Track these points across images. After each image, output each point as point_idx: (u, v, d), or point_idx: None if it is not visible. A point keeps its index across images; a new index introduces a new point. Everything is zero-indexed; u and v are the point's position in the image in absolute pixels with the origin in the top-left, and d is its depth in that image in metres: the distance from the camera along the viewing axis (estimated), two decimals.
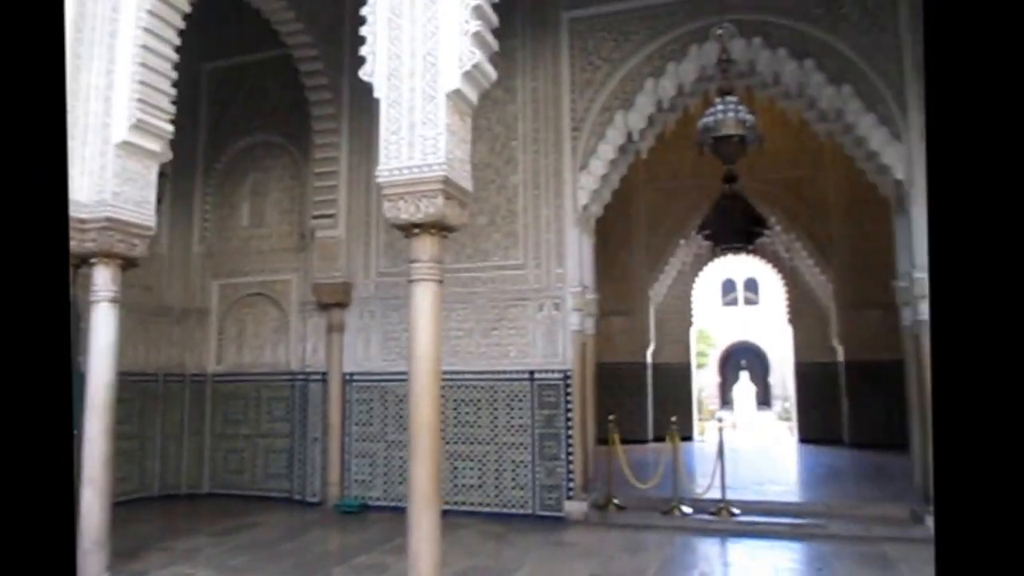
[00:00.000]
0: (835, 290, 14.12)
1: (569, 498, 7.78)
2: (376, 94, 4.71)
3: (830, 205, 14.21)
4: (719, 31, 7.18)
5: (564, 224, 8.23)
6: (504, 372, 8.17)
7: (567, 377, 7.95)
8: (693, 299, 16.11)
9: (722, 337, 41.14)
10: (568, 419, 7.86)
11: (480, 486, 8.13)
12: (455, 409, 8.27)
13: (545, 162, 8.41)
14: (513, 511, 7.94)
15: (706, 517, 7.51)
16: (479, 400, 8.22)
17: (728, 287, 42.35)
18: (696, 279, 16.24)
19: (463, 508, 8.07)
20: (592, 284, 8.81)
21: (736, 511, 7.56)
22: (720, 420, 7.99)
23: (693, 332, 16.12)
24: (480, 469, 8.15)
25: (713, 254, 12.20)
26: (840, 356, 14.21)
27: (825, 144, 14.46)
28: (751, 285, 41.90)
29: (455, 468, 8.22)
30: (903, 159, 7.40)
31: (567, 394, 7.91)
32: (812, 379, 14.96)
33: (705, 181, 13.75)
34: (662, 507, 7.77)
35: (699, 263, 16.17)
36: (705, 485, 7.99)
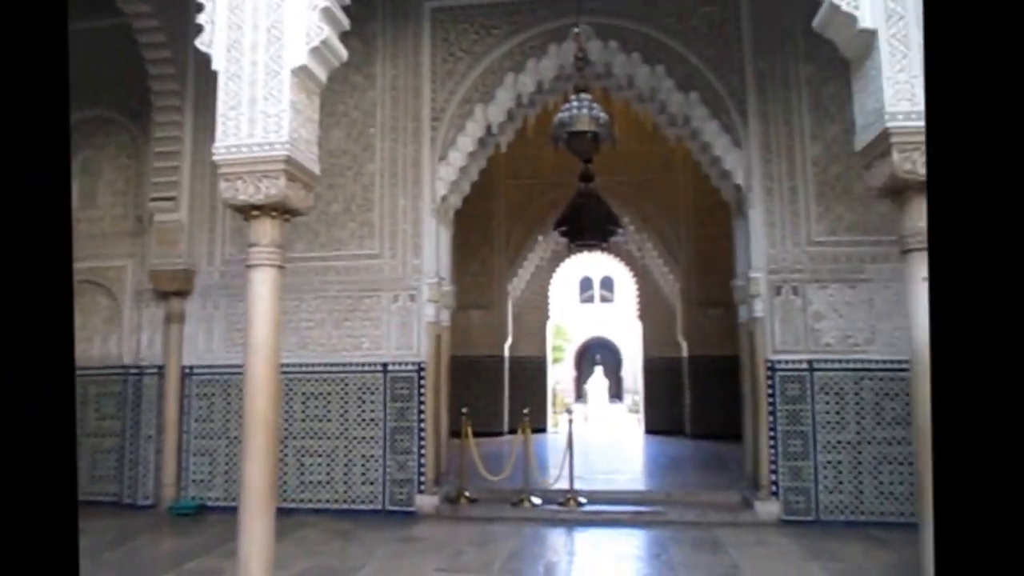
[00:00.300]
0: (681, 288, 14.80)
1: (420, 492, 7.69)
2: (214, 66, 4.43)
3: (679, 208, 14.86)
4: (577, 31, 7.30)
5: (422, 214, 8.12)
6: (356, 364, 7.97)
7: (421, 369, 7.85)
8: (550, 294, 16.41)
9: (579, 333, 42.22)
10: (421, 412, 7.78)
11: (328, 482, 7.90)
12: (303, 403, 7.99)
13: (404, 151, 8.27)
14: (363, 507, 7.77)
15: (554, 507, 7.64)
16: (329, 393, 7.98)
17: (585, 285, 43.52)
18: (554, 275, 16.56)
19: (310, 506, 7.81)
20: (449, 276, 8.76)
21: (583, 500, 7.74)
22: (570, 413, 8.13)
23: (550, 327, 16.43)
24: (329, 465, 7.91)
25: (569, 251, 12.45)
26: (684, 351, 14.92)
27: (676, 149, 15.10)
28: (607, 283, 43.24)
29: (302, 464, 7.94)
30: (742, 166, 7.81)
31: (420, 387, 7.82)
32: (659, 373, 15.63)
33: (563, 179, 14.03)
34: (513, 499, 7.83)
35: (556, 259, 16.50)
36: (554, 476, 8.13)
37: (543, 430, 15.29)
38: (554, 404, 17.94)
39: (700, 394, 14.48)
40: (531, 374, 15.88)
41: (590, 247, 12.20)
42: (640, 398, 26.07)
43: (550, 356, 16.91)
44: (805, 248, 7.57)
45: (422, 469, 7.72)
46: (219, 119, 4.38)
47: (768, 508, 7.31)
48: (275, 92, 4.34)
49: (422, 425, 7.76)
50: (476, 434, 14.08)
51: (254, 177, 4.29)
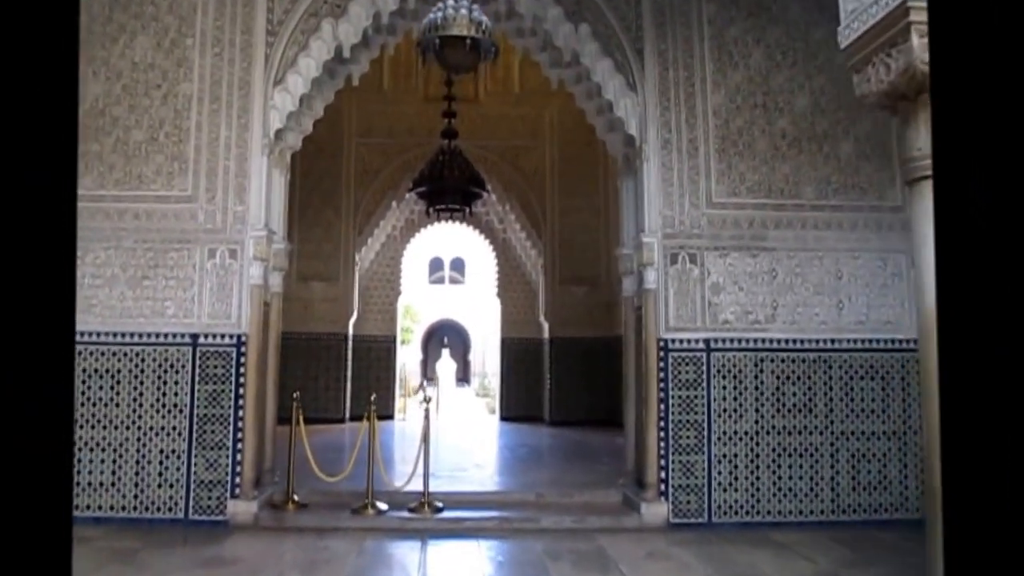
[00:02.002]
0: (545, 264, 13.80)
1: (235, 497, 6.10)
2: None
3: (545, 178, 13.84)
4: None
5: (249, 150, 6.46)
6: (157, 335, 6.24)
7: (242, 343, 6.23)
8: (403, 268, 14.92)
9: (427, 314, 41.11)
10: (240, 397, 6.16)
11: (114, 484, 6.12)
12: (83, 383, 6.16)
13: (229, 70, 6.56)
14: (159, 516, 6.07)
15: (405, 515, 6.29)
16: (119, 371, 6.19)
17: (436, 265, 42.57)
18: (407, 246, 15.08)
19: (89, 514, 6.01)
20: (283, 231, 7.14)
21: (439, 505, 6.43)
22: (427, 400, 6.78)
23: (401, 304, 14.94)
24: (115, 462, 6.14)
25: (428, 216, 11.05)
26: (546, 333, 13.94)
27: (544, 114, 14.11)
28: (458, 264, 42.47)
29: (78, 461, 6.10)
30: (636, 113, 6.74)
31: (240, 365, 6.20)
32: (517, 355, 14.58)
33: (422, 139, 12.67)
34: (353, 504, 6.40)
35: (411, 229, 15.03)
36: (404, 475, 6.77)
37: (390, 417, 13.84)
38: (403, 388, 16.48)
39: (562, 379, 13.57)
40: (377, 355, 14.34)
41: (451, 213, 10.85)
42: (492, 382, 25.24)
43: (399, 336, 15.43)
44: (704, 210, 6.61)
45: (238, 468, 6.12)
46: None
47: (655, 510, 6.32)
48: None
49: (240, 413, 6.15)
50: (313, 421, 12.34)
51: None
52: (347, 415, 13.22)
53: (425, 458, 6.53)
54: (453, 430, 12.99)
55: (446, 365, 30.03)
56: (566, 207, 13.74)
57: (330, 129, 13.65)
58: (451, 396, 24.76)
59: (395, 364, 14.39)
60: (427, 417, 6.72)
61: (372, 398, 6.80)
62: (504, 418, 14.33)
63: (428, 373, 33.87)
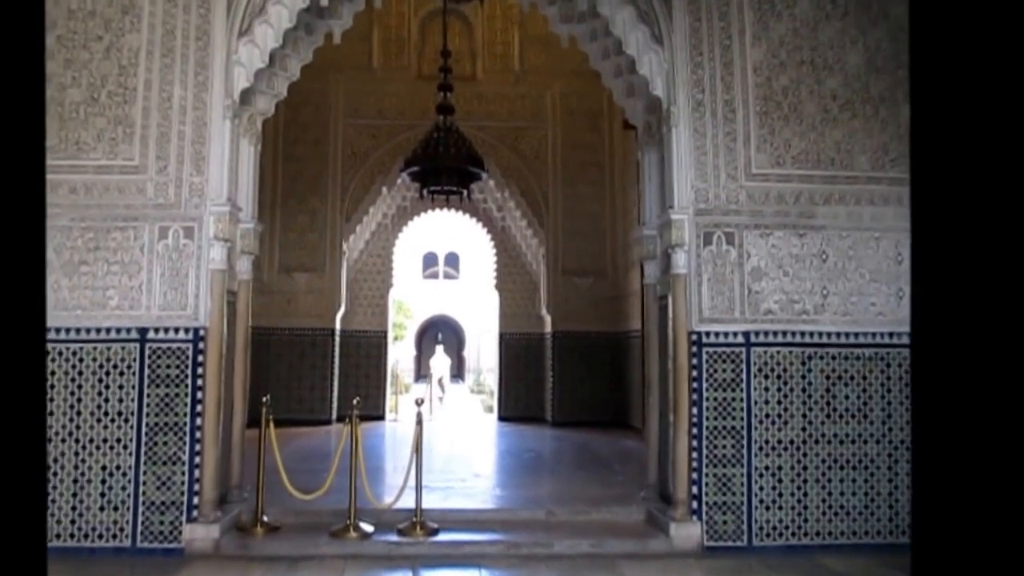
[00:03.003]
0: (547, 255, 12.86)
1: (192, 520, 5.13)
2: None
3: (548, 162, 12.91)
4: None
5: (209, 113, 5.47)
6: (98, 330, 5.26)
7: (200, 339, 5.26)
8: (394, 258, 13.94)
9: (421, 310, 40.34)
10: (197, 402, 5.19)
11: (47, 507, 5.15)
12: None
13: (184, 18, 5.57)
14: (100, 544, 5.11)
15: (393, 538, 5.34)
16: (53, 373, 5.20)
17: (430, 260, 41.89)
18: (399, 236, 14.10)
19: None
20: (252, 208, 6.16)
21: (434, 526, 5.48)
22: (420, 403, 5.82)
23: (392, 297, 13.97)
24: (49, 481, 5.16)
25: (420, 197, 10.08)
26: (548, 327, 13.01)
27: (546, 93, 13.16)
28: (452, 259, 41.73)
29: None
30: (663, 71, 5.77)
31: (198, 365, 5.23)
32: (516, 351, 13.65)
33: (415, 120, 11.71)
34: (334, 524, 5.45)
35: (403, 217, 14.04)
36: (395, 488, 5.80)
37: (380, 417, 12.90)
38: (394, 386, 15.52)
39: (565, 376, 12.65)
40: (367, 351, 13.37)
41: (447, 196, 9.88)
42: (489, 379, 24.32)
43: (391, 331, 14.47)
44: (743, 183, 5.66)
45: (196, 486, 5.16)
46: None
47: (687, 531, 5.38)
48: None
49: (198, 421, 5.18)
50: (298, 423, 11.50)
51: None
52: (334, 416, 12.28)
53: (417, 470, 5.58)
54: (448, 433, 12.03)
55: (440, 361, 29.31)
56: (570, 193, 12.83)
57: (315, 110, 12.72)
58: (446, 393, 24.00)
59: (386, 361, 13.43)
60: (420, 422, 5.75)
61: (355, 401, 5.82)
62: (503, 418, 13.40)
63: (421, 370, 33.02)
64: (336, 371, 12.47)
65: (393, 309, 15.25)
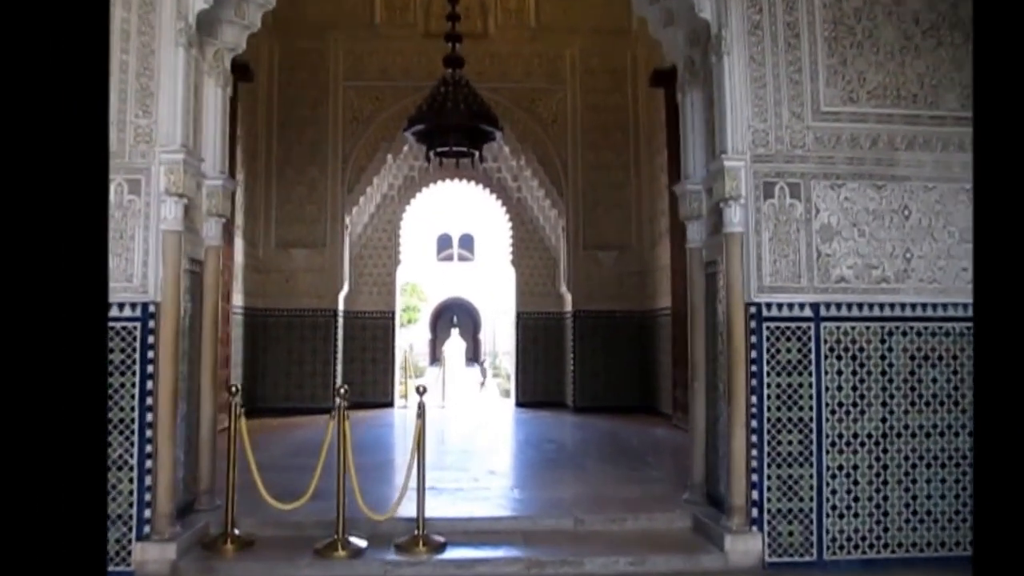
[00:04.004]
0: (566, 227, 11.87)
1: (143, 537, 4.23)
2: None
3: (568, 127, 11.89)
4: None
5: (158, 39, 4.50)
6: None
7: (150, 316, 4.34)
8: (401, 233, 12.99)
9: (435, 293, 39.65)
10: (147, 394, 4.28)
11: None
12: None
13: None
14: None
15: (391, 557, 4.41)
16: None
17: (444, 242, 41.26)
18: (407, 209, 13.14)
19: None
20: (222, 160, 5.21)
21: (440, 540, 4.56)
22: (422, 392, 4.87)
23: (400, 275, 13.03)
24: None
25: (427, 161, 9.10)
26: (568, 305, 12.04)
27: (565, 52, 12.09)
28: (466, 241, 41.03)
29: None
30: None
31: (148, 348, 4.31)
32: (534, 332, 12.69)
33: (422, 82, 10.62)
34: (319, 538, 4.54)
35: (411, 188, 13.07)
36: (395, 493, 4.87)
37: (388, 404, 12.01)
38: (406, 370, 14.63)
39: (587, 359, 11.70)
40: (373, 334, 12.44)
41: (456, 159, 8.91)
42: (502, 361, 23.45)
43: (399, 312, 13.55)
44: (810, 123, 4.65)
45: (148, 496, 4.25)
46: None
47: (745, 544, 4.43)
48: None
49: (149, 417, 4.27)
50: (297, 412, 10.67)
51: None
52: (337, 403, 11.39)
53: (419, 473, 4.66)
54: (460, 421, 11.12)
55: (455, 344, 28.63)
56: (591, 160, 11.81)
57: (312, 71, 11.74)
58: (460, 376, 23.26)
59: (394, 344, 12.51)
60: (421, 414, 4.81)
61: (343, 390, 4.89)
62: (520, 403, 12.48)
63: (436, 353, 32.28)
64: (339, 355, 11.57)
65: (401, 289, 14.34)
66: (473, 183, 12.94)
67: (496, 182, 12.92)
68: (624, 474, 6.57)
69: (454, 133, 8.26)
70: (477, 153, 8.69)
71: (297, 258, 11.37)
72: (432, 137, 8.46)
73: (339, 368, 11.52)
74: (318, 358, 11.32)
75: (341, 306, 11.70)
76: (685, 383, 9.47)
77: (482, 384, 17.96)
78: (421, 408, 4.79)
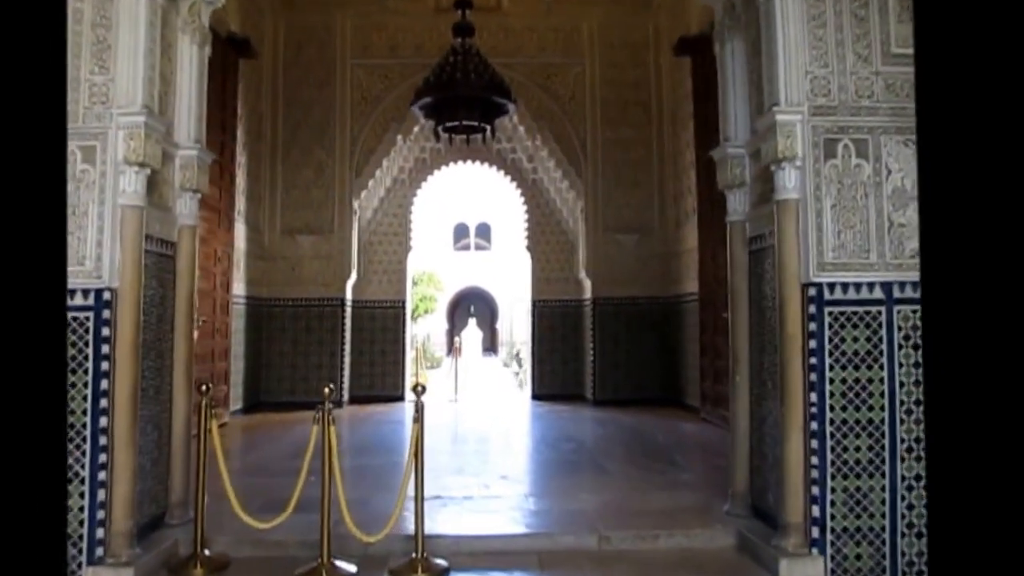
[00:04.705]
0: (585, 210, 11.19)
1: (96, 561, 3.62)
2: None
3: (585, 103, 11.20)
4: None
5: None
6: None
7: (104, 305, 3.71)
8: (412, 218, 12.34)
9: (452, 282, 39.27)
10: (100, 394, 3.66)
11: None
12: None
13: None
14: None
15: None
16: None
17: (461, 232, 40.93)
18: (418, 192, 12.48)
19: None
20: (197, 128, 4.56)
21: (443, 564, 3.92)
22: (420, 390, 4.22)
23: (411, 262, 12.40)
24: None
25: (436, 137, 8.44)
26: (587, 292, 11.36)
27: (582, 25, 11.36)
28: (483, 230, 40.62)
29: None
30: None
31: (101, 342, 3.69)
32: (551, 321, 12.01)
33: (432, 59, 9.90)
34: (303, 560, 3.91)
35: (422, 171, 12.39)
36: (409, 499, 4.22)
37: (399, 398, 11.39)
38: (418, 362, 14.01)
39: (607, 349, 11.02)
40: (383, 324, 11.81)
41: (467, 135, 8.24)
42: (517, 351, 22.83)
43: (410, 301, 12.92)
44: (879, 68, 3.93)
45: (100, 511, 3.64)
46: None
47: (804, 570, 3.74)
48: None
49: (103, 421, 3.66)
50: (303, 406, 9.93)
51: None
52: (346, 397, 10.84)
53: (417, 486, 4.02)
54: (473, 416, 10.49)
55: (472, 334, 28.18)
56: (611, 138, 11.12)
57: (319, 49, 11.12)
58: (477, 366, 22.79)
59: (405, 335, 11.89)
60: (419, 419, 4.17)
61: (328, 390, 4.25)
62: (536, 396, 11.82)
63: (453, 344, 31.86)
64: (347, 347, 10.97)
65: (417, 278, 13.70)
66: (487, 165, 12.27)
67: (511, 163, 12.23)
68: (651, 477, 5.89)
69: (464, 106, 7.60)
70: (488, 128, 8.00)
71: (303, 245, 10.78)
72: (441, 111, 7.81)
73: (347, 360, 10.93)
74: (324, 350, 10.73)
75: (349, 295, 11.09)
76: (715, 374, 8.93)
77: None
78: (418, 410, 4.15)
